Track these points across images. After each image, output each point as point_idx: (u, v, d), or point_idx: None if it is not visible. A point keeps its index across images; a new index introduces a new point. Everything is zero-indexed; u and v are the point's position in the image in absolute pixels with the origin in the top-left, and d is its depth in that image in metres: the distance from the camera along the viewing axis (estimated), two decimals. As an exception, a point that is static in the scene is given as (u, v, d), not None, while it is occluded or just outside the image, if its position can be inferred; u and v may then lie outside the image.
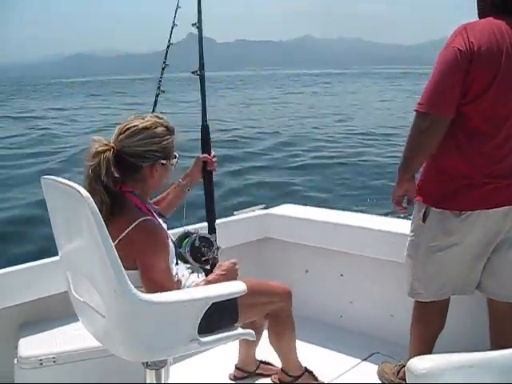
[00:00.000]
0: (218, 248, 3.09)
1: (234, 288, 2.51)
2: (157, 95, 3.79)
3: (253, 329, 2.79)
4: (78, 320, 2.74)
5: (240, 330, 2.72)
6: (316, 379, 3.42)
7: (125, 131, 2.60)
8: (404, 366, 3.28)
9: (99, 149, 2.53)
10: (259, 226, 4.48)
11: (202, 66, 3.27)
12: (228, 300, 2.52)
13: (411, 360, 1.53)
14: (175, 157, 2.75)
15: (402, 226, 3.68)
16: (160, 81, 3.80)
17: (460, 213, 2.93)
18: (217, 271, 2.85)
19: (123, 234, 2.50)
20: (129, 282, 2.19)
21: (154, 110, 4.03)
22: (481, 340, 3.11)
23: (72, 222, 2.35)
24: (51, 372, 2.92)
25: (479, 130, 2.84)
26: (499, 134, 2.84)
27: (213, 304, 2.37)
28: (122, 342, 2.37)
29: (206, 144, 3.24)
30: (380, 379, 3.53)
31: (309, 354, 3.52)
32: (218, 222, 3.28)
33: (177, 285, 2.69)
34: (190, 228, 3.19)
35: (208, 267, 3.04)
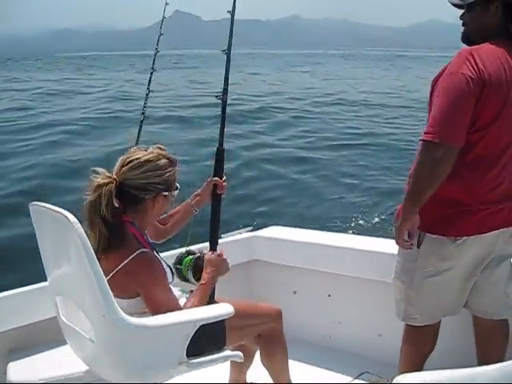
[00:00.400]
0: None
1: (222, 310, 2.54)
2: (151, 73, 3.91)
3: (243, 352, 2.80)
4: (67, 345, 2.75)
5: (228, 352, 2.72)
6: None
7: (127, 163, 2.62)
8: (393, 384, 3.29)
9: (101, 182, 2.54)
10: (247, 249, 4.49)
11: (230, 46, 3.16)
12: (216, 323, 2.54)
13: (397, 377, 1.56)
14: (177, 188, 2.77)
15: (388, 246, 3.71)
16: (154, 61, 3.93)
17: (456, 238, 2.92)
18: (207, 269, 2.83)
19: (121, 265, 2.52)
20: (117, 307, 2.22)
21: (148, 88, 4.11)
22: (468, 358, 3.13)
23: (61, 247, 2.37)
24: None
25: (482, 159, 2.83)
26: (500, 162, 2.85)
27: (201, 327, 2.39)
28: (111, 367, 2.39)
29: (219, 167, 3.18)
30: (369, 398, 3.55)
31: (299, 374, 3.52)
32: (205, 244, 3.28)
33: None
34: (192, 248, 3.20)
35: None
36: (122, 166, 2.62)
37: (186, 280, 3.01)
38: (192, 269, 2.99)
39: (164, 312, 2.49)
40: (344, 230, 9.31)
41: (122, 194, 2.58)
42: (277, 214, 11.50)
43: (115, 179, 2.57)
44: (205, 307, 2.63)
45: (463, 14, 2.99)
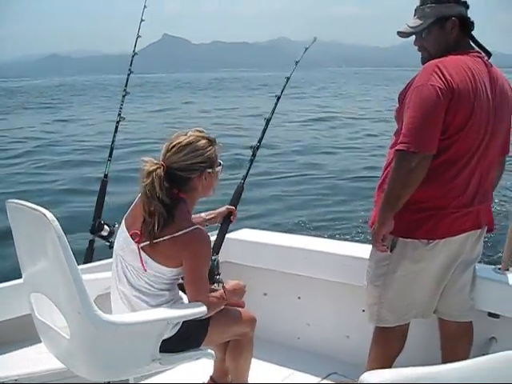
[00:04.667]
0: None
1: (195, 309, 2.59)
2: (123, 96, 3.96)
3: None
4: (40, 343, 2.76)
5: (200, 350, 2.77)
6: None
7: (171, 148, 2.81)
8: (360, 384, 3.34)
9: (151, 168, 2.74)
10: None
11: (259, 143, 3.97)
12: (202, 323, 2.67)
13: (363, 374, 1.59)
14: (219, 164, 2.97)
15: (357, 249, 3.80)
16: (126, 85, 3.97)
17: (428, 241, 3.02)
18: (229, 288, 3.04)
19: (176, 234, 2.69)
20: (93, 304, 2.25)
21: (119, 113, 4.20)
22: (433, 360, 3.21)
23: (37, 244, 2.39)
24: None
25: (452, 164, 2.94)
26: (467, 167, 2.95)
27: (186, 326, 2.45)
28: (85, 363, 2.42)
29: (236, 199, 3.79)
30: (336, 398, 3.61)
31: (267, 375, 3.58)
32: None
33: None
34: None
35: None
36: (167, 152, 2.82)
37: None
38: (209, 269, 3.07)
39: (200, 288, 2.75)
40: (315, 234, 9.37)
41: (171, 177, 2.78)
42: (248, 217, 11.54)
43: (162, 164, 2.77)
44: (179, 306, 2.67)
45: (416, 40, 3.12)
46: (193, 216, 3.31)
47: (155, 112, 37.19)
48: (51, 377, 2.91)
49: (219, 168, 2.97)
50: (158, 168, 2.74)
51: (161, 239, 2.70)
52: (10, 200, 2.48)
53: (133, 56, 4.14)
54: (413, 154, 2.81)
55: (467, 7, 3.05)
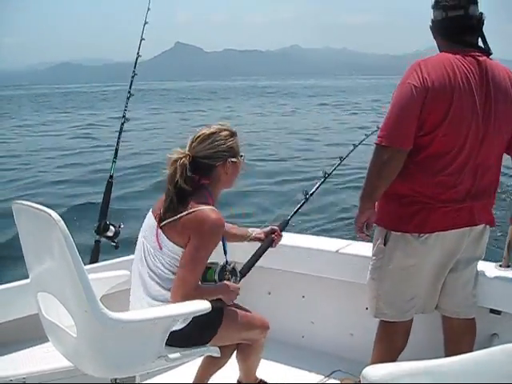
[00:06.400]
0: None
1: (199, 306, 2.61)
2: (127, 98, 3.99)
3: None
4: (47, 342, 2.79)
5: (206, 347, 2.80)
6: None
7: (196, 139, 3.00)
8: (363, 383, 3.36)
9: (175, 157, 2.94)
10: (221, 249, 4.53)
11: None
12: (213, 321, 2.75)
13: (366, 368, 1.62)
14: (241, 155, 3.11)
15: (361, 248, 3.82)
16: (130, 87, 4.01)
17: (419, 235, 3.08)
18: (227, 284, 3.09)
19: (190, 210, 2.85)
20: (99, 302, 2.28)
21: (124, 115, 4.24)
22: (437, 356, 3.22)
23: (43, 245, 2.42)
24: None
25: (434, 160, 3.01)
26: (453, 163, 3.00)
27: (196, 321, 2.48)
28: (92, 360, 2.44)
29: (284, 224, 3.80)
30: (341, 395, 3.63)
31: (272, 373, 3.59)
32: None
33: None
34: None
35: None
36: (192, 142, 3.00)
37: (203, 279, 3.07)
38: (220, 269, 3.13)
39: (190, 269, 2.80)
40: (318, 233, 9.37)
41: (196, 166, 2.95)
42: (253, 216, 11.55)
43: (188, 154, 2.95)
44: (184, 303, 2.69)
45: None
46: (241, 229, 3.61)
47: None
48: (59, 375, 2.94)
49: (242, 158, 3.10)
50: (183, 157, 2.92)
51: (173, 218, 2.85)
52: (15, 201, 2.51)
53: (136, 58, 4.17)
54: (385, 147, 2.98)
55: (471, 3, 3.05)
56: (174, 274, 2.84)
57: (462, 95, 2.92)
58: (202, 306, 2.60)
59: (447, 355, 3.30)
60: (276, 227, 3.71)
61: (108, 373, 2.52)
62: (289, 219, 3.86)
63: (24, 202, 2.45)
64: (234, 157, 3.04)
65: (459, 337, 3.35)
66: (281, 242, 4.36)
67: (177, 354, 2.57)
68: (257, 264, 4.43)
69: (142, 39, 4.21)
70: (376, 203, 3.20)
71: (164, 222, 2.88)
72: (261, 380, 3.50)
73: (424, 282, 3.21)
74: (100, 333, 2.33)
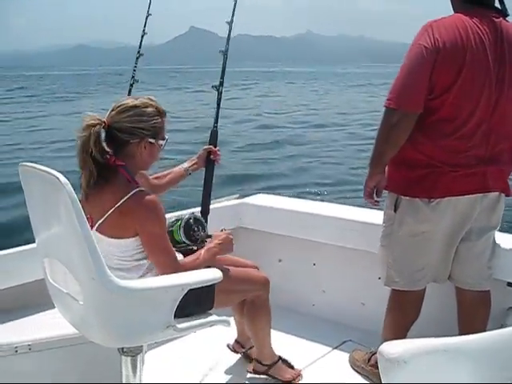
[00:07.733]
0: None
1: (210, 275, 2.55)
2: (131, 84, 3.88)
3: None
4: (54, 308, 2.74)
5: (215, 317, 2.74)
6: (292, 367, 3.48)
7: (116, 108, 2.71)
8: (375, 353, 3.34)
9: (90, 122, 2.63)
10: (233, 216, 4.50)
11: (221, 83, 3.51)
12: (206, 286, 2.57)
13: (383, 345, 1.58)
14: (163, 138, 2.81)
15: (374, 216, 3.74)
16: (134, 71, 3.89)
17: (429, 200, 3.01)
18: (214, 241, 2.95)
19: (118, 204, 2.57)
20: (107, 270, 2.22)
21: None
22: (450, 329, 3.18)
23: (50, 208, 2.35)
24: (26, 359, 2.90)
25: (444, 123, 2.93)
26: (464, 127, 2.92)
27: (189, 290, 2.41)
28: (99, 328, 2.39)
29: (213, 138, 3.49)
30: (351, 366, 3.60)
31: (281, 342, 3.56)
32: (191, 211, 3.33)
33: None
34: (182, 212, 3.28)
35: (195, 248, 3.06)
36: (112, 111, 2.71)
37: (176, 242, 3.02)
38: (183, 227, 3.04)
39: (164, 257, 2.63)
40: (330, 200, 9.33)
41: (111, 137, 2.66)
42: (265, 182, 11.53)
43: (104, 122, 2.66)
44: (194, 271, 2.64)
45: None
46: (174, 169, 3.37)
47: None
48: (65, 342, 2.91)
49: (163, 142, 2.81)
50: (98, 124, 2.63)
51: (106, 215, 2.59)
52: (22, 163, 2.45)
53: (137, 58, 4.00)
54: (394, 110, 2.89)
55: None
56: (136, 260, 2.68)
57: (474, 57, 2.83)
58: (213, 275, 2.54)
59: (460, 328, 3.27)
60: (207, 146, 3.46)
61: (116, 342, 2.47)
62: (215, 129, 3.50)
63: (30, 164, 2.38)
64: (154, 138, 2.74)
65: (473, 309, 3.30)
66: (292, 208, 4.31)
67: (185, 324, 2.51)
68: (267, 230, 4.40)
69: (144, 34, 4.04)
70: (386, 169, 3.13)
71: (96, 225, 2.62)
72: (279, 357, 3.46)
73: (435, 251, 3.14)
74: (108, 301, 2.28)
